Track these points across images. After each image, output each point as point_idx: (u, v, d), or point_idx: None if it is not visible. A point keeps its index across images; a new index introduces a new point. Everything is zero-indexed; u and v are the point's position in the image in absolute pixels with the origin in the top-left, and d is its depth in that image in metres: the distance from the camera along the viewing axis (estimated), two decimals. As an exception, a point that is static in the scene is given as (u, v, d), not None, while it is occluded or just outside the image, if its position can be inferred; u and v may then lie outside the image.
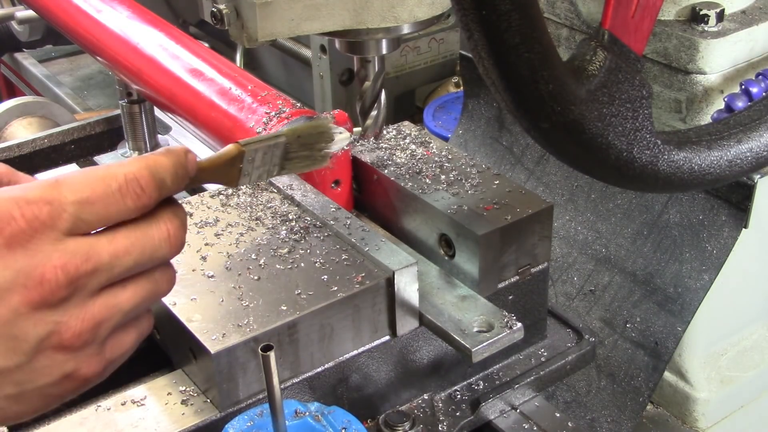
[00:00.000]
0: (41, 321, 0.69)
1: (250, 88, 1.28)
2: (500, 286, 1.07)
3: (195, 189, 1.33)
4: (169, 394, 0.95)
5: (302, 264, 1.01)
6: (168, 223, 0.74)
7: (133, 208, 0.72)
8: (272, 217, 1.09)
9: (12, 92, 2.87)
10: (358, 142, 1.19)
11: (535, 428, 1.08)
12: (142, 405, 0.94)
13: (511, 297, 1.08)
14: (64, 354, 0.71)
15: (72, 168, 1.47)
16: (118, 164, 0.72)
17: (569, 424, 1.08)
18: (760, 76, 1.24)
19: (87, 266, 0.69)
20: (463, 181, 1.12)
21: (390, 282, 0.98)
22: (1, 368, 0.69)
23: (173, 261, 1.01)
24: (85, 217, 0.69)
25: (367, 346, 1.01)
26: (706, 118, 1.28)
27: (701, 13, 1.25)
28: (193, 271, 1.00)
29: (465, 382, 1.10)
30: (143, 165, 0.72)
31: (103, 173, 0.71)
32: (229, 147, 0.81)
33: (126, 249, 0.71)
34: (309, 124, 0.87)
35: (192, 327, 0.92)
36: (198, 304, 0.95)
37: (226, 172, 0.81)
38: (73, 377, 0.72)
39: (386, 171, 1.14)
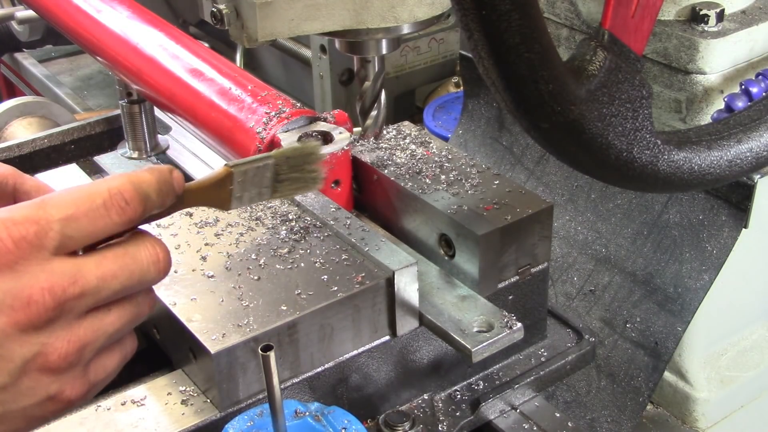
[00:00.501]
0: (27, 342, 0.69)
1: (250, 88, 1.28)
2: (500, 286, 1.07)
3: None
4: (169, 394, 0.95)
5: (302, 264, 1.01)
6: (155, 246, 0.75)
7: (119, 222, 0.72)
8: (272, 217, 1.09)
9: (12, 92, 2.87)
10: (358, 142, 1.19)
11: (535, 428, 1.08)
12: (142, 405, 0.94)
13: (511, 297, 1.08)
14: (48, 376, 0.71)
15: (72, 168, 1.47)
16: (101, 180, 0.73)
17: (569, 424, 1.08)
18: (760, 76, 1.24)
19: (74, 289, 0.70)
20: (463, 181, 1.12)
21: (390, 282, 0.98)
22: None
23: (174, 261, 1.01)
24: (71, 233, 0.70)
25: (367, 346, 1.01)
26: (706, 118, 1.28)
27: (701, 13, 1.25)
28: (193, 271, 1.00)
29: (465, 382, 1.10)
30: (126, 180, 0.73)
31: (87, 190, 0.71)
32: (218, 169, 0.82)
33: (114, 273, 0.72)
34: (297, 146, 0.88)
35: (192, 327, 0.92)
36: (198, 304, 0.95)
37: (217, 194, 0.82)
38: (57, 399, 0.72)
39: (386, 171, 1.14)
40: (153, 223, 1.07)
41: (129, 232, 0.76)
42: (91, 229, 0.71)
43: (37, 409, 0.72)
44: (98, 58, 1.57)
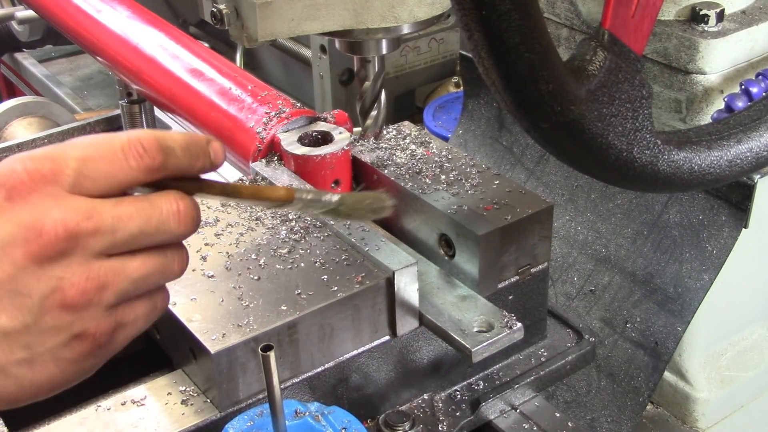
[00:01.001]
0: (44, 276, 0.68)
1: (250, 88, 1.28)
2: (500, 286, 1.07)
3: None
4: (169, 394, 0.95)
5: (302, 264, 1.01)
6: (179, 199, 0.74)
7: (136, 168, 0.71)
8: (272, 217, 1.09)
9: (12, 92, 2.87)
10: (358, 142, 1.19)
11: (535, 428, 1.08)
12: (142, 405, 0.94)
13: (511, 297, 1.08)
14: (69, 313, 0.70)
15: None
16: (124, 131, 0.73)
17: (569, 424, 1.08)
18: (760, 76, 1.24)
19: (88, 224, 0.69)
20: (463, 181, 1.12)
21: (390, 282, 0.98)
22: (8, 329, 0.69)
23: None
24: (87, 173, 0.69)
25: (367, 346, 1.01)
26: (706, 118, 1.28)
27: (701, 13, 1.25)
28: (193, 271, 1.00)
29: (465, 382, 1.10)
30: (150, 132, 0.73)
31: (108, 136, 0.72)
32: (282, 189, 0.81)
33: (130, 214, 0.71)
34: (369, 198, 0.86)
35: (192, 327, 0.92)
36: (198, 304, 0.95)
37: (267, 204, 0.81)
38: (83, 338, 0.71)
39: (386, 171, 1.14)
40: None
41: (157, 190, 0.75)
42: (107, 171, 0.70)
43: (65, 350, 0.71)
44: (98, 58, 1.57)
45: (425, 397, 1.07)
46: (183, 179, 0.76)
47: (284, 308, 0.94)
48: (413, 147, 1.19)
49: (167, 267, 0.76)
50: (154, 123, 1.58)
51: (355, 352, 1.00)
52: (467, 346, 0.95)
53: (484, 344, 0.95)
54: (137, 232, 0.72)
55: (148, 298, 0.76)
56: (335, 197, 0.82)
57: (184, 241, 1.00)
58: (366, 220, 0.91)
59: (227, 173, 1.57)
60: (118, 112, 1.63)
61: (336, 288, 0.97)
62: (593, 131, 0.87)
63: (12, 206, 0.68)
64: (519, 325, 0.98)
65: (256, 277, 0.99)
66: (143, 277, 0.73)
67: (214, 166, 0.78)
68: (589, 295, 1.42)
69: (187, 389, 0.96)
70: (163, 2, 2.56)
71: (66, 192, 0.69)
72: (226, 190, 0.80)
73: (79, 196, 0.70)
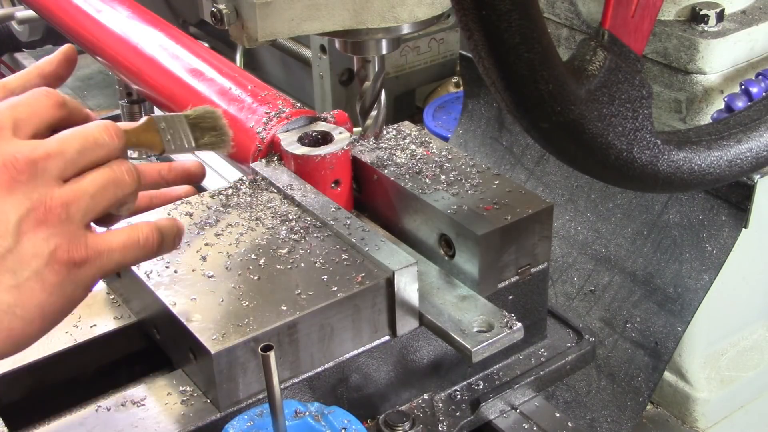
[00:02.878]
0: (16, 200, 0.79)
1: (250, 88, 1.28)
2: (500, 286, 1.07)
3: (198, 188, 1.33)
4: (169, 394, 0.95)
5: (302, 264, 1.01)
6: (104, 122, 0.88)
7: (50, 105, 0.86)
8: (272, 217, 1.09)
9: (12, 92, 2.86)
10: (358, 142, 1.19)
11: (535, 428, 1.08)
12: (142, 405, 0.94)
13: (511, 297, 1.08)
14: (43, 230, 0.80)
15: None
16: None
17: (569, 424, 1.08)
18: (760, 76, 1.24)
19: (39, 151, 0.81)
20: (463, 181, 1.12)
21: (390, 282, 0.98)
22: None
23: (174, 261, 1.01)
24: (19, 116, 0.84)
25: (367, 346, 1.01)
26: (706, 118, 1.28)
27: (701, 13, 1.25)
28: (193, 271, 1.00)
29: (465, 382, 1.10)
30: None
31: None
32: (143, 122, 0.96)
33: (69, 137, 0.84)
34: (198, 108, 1.01)
35: (192, 327, 0.92)
36: (198, 304, 0.95)
37: (150, 137, 0.94)
38: (60, 255, 0.80)
39: (386, 171, 1.14)
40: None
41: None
42: (32, 110, 0.85)
43: (48, 271, 0.80)
44: (98, 58, 1.57)
45: (425, 397, 1.07)
46: None
47: (284, 308, 0.94)
48: (413, 147, 1.19)
49: (117, 178, 0.86)
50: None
51: (355, 352, 1.00)
52: (467, 346, 0.95)
53: (484, 344, 0.95)
54: (80, 147, 0.84)
55: (128, 228, 0.88)
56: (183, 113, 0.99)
57: (183, 241, 1.01)
58: (219, 134, 1.02)
59: (227, 173, 1.58)
60: (118, 112, 1.63)
61: (336, 288, 0.97)
62: (593, 131, 0.87)
63: None
64: (519, 325, 0.98)
65: (256, 277, 0.99)
66: (100, 191, 0.84)
67: (90, 116, 0.92)
68: (589, 295, 1.42)
69: (187, 389, 0.96)
70: (163, 2, 2.56)
71: (12, 136, 0.82)
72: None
73: (22, 138, 0.83)
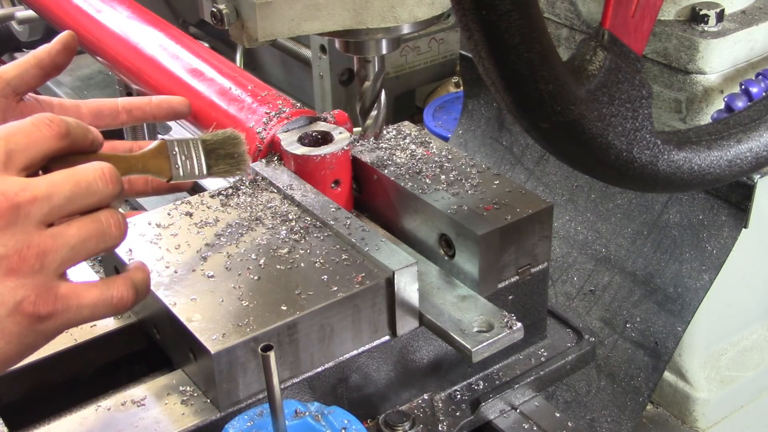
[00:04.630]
0: None
1: (250, 88, 1.29)
2: (500, 286, 1.07)
3: (195, 189, 1.33)
4: (169, 394, 0.95)
5: (302, 264, 1.01)
6: (101, 164, 0.82)
7: (49, 135, 0.81)
8: (272, 217, 1.09)
9: (12, 92, 2.86)
10: (358, 142, 1.19)
11: (535, 428, 1.08)
12: (142, 405, 0.94)
13: (511, 297, 1.08)
14: (12, 279, 0.76)
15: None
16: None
17: (569, 424, 1.08)
18: (760, 76, 1.24)
19: (26, 194, 0.76)
20: (463, 181, 1.12)
21: (390, 282, 0.98)
22: None
23: (174, 261, 1.01)
24: (14, 147, 0.78)
25: (367, 346, 1.01)
26: (706, 118, 1.28)
27: (701, 13, 1.25)
28: (193, 271, 1.00)
29: (465, 382, 1.10)
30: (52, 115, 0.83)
31: (19, 120, 0.81)
32: (156, 142, 0.93)
33: (61, 180, 0.79)
34: (218, 132, 0.99)
35: (192, 327, 0.92)
36: (198, 304, 0.95)
37: (158, 163, 0.92)
38: (25, 307, 0.76)
39: (386, 171, 1.14)
40: (153, 223, 1.07)
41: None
42: (29, 142, 0.79)
43: (10, 321, 0.76)
44: (98, 58, 1.57)
45: (425, 397, 1.07)
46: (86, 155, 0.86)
47: (284, 308, 0.94)
48: (413, 147, 1.19)
49: (104, 231, 0.81)
50: (154, 124, 1.58)
51: (355, 352, 1.00)
52: (467, 346, 0.95)
53: (484, 344, 0.95)
54: (70, 194, 0.79)
55: (98, 286, 0.82)
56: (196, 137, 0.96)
57: (183, 241, 1.01)
58: (237, 160, 1.00)
59: (227, 173, 1.57)
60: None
61: (336, 288, 0.97)
62: (593, 131, 0.87)
63: None
64: (519, 325, 0.98)
65: (256, 277, 0.99)
66: (81, 242, 0.80)
67: (97, 141, 0.87)
68: (589, 295, 1.42)
69: (187, 389, 0.96)
70: (163, 2, 2.57)
71: (2, 171, 0.77)
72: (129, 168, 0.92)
73: (13, 173, 0.78)
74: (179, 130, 1.60)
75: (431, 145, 1.20)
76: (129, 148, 1.18)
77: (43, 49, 1.12)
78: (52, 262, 0.78)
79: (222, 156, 0.98)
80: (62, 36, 1.10)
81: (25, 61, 1.12)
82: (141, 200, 1.65)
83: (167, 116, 1.24)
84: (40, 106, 1.15)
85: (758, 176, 1.23)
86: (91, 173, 0.81)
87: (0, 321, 0.76)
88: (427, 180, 1.12)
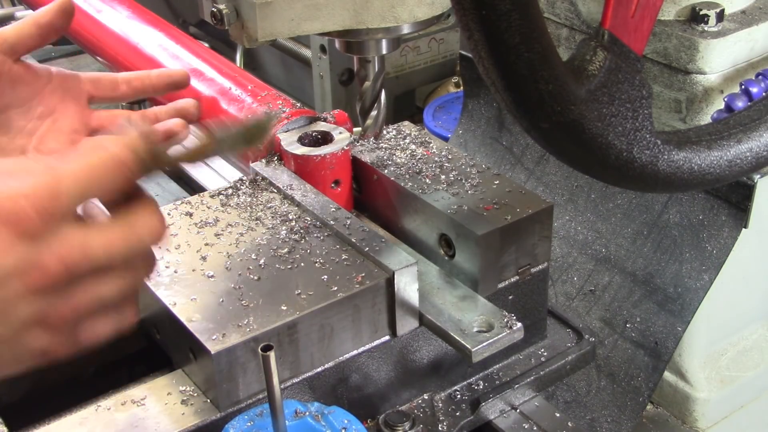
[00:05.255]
0: (35, 303, 0.73)
1: (250, 88, 1.29)
2: (500, 286, 1.07)
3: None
4: (169, 394, 0.95)
5: (302, 264, 1.01)
6: (153, 217, 0.79)
7: (120, 182, 0.77)
8: (272, 217, 1.09)
9: (12, 92, 2.86)
10: (358, 142, 1.19)
11: (535, 428, 1.08)
12: (142, 405, 0.94)
13: (511, 297, 1.08)
14: (46, 332, 0.75)
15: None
16: (100, 147, 0.76)
17: (569, 424, 1.08)
18: (760, 76, 1.24)
19: (83, 260, 0.74)
20: (463, 181, 1.12)
21: (390, 282, 0.98)
22: None
23: (174, 261, 1.01)
24: (81, 198, 0.75)
25: (367, 346, 1.01)
26: (706, 118, 1.28)
27: (701, 13, 1.25)
28: (193, 271, 1.00)
29: (465, 382, 1.10)
30: (123, 144, 0.77)
31: (92, 157, 0.75)
32: (206, 141, 0.85)
33: (117, 246, 0.76)
34: (262, 119, 0.91)
35: (192, 327, 0.92)
36: (198, 304, 0.95)
37: (194, 155, 0.86)
38: (46, 353, 0.76)
39: (386, 171, 1.14)
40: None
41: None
42: (97, 192, 0.76)
43: (27, 358, 0.76)
44: (98, 58, 1.57)
45: (425, 397, 1.07)
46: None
47: (284, 308, 0.94)
48: (413, 147, 1.19)
49: (137, 279, 0.80)
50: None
51: (355, 352, 1.00)
52: (467, 346, 0.95)
53: (484, 344, 0.95)
54: (122, 259, 0.77)
55: (116, 317, 0.80)
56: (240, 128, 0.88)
57: (183, 241, 1.01)
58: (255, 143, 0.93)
59: (227, 173, 1.57)
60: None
61: (336, 288, 0.97)
62: (593, 131, 0.87)
63: (20, 242, 0.71)
64: (519, 325, 0.98)
65: (256, 277, 0.99)
66: (115, 296, 0.78)
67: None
68: (589, 295, 1.42)
69: (187, 389, 0.96)
70: (163, 2, 2.57)
71: (64, 222, 0.73)
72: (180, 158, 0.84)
73: (74, 224, 0.74)
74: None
75: (431, 145, 1.20)
76: (127, 115, 1.20)
77: (41, 10, 1.12)
78: (84, 315, 0.77)
79: (250, 137, 0.91)
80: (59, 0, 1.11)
81: (23, 21, 1.13)
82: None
83: (166, 88, 1.23)
84: (38, 69, 1.15)
85: (758, 176, 1.23)
86: (146, 232, 0.78)
87: (16, 358, 0.76)
88: (427, 180, 1.12)
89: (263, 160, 1.18)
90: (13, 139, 1.14)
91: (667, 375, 1.42)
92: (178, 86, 1.24)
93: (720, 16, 1.26)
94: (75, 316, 0.76)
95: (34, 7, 1.87)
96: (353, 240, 1.03)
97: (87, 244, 0.74)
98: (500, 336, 0.96)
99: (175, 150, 0.84)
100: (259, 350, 0.79)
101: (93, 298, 0.76)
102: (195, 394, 0.95)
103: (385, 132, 1.21)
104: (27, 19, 1.13)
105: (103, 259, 0.75)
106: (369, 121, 1.18)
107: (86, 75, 1.20)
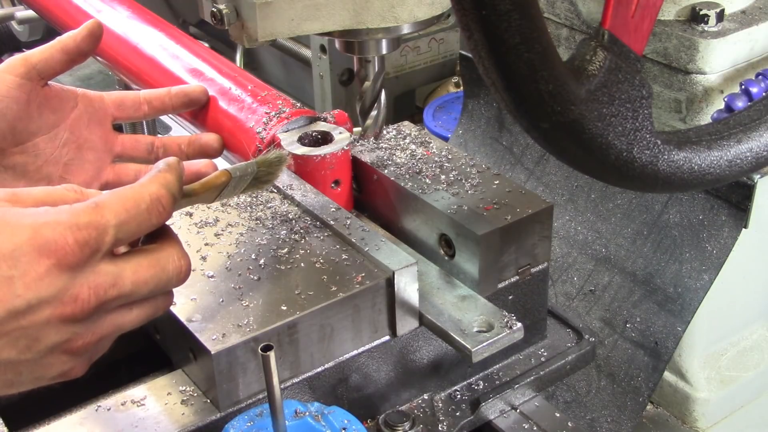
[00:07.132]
0: (63, 330, 0.75)
1: (250, 88, 1.28)
2: (500, 286, 1.07)
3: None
4: (169, 394, 0.95)
5: (302, 264, 1.01)
6: (180, 258, 0.82)
7: (156, 224, 0.80)
8: (272, 217, 1.09)
9: (12, 92, 2.86)
10: (358, 142, 1.19)
11: (535, 428, 1.08)
12: (142, 405, 0.94)
13: (511, 297, 1.08)
14: (68, 357, 0.77)
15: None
16: (140, 185, 0.79)
17: (569, 424, 1.08)
18: (760, 76, 1.24)
19: (113, 291, 0.76)
20: (463, 181, 1.12)
21: (390, 282, 0.98)
22: (12, 360, 0.74)
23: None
24: (121, 237, 0.76)
25: (367, 346, 1.00)
26: (706, 118, 1.28)
27: (701, 13, 1.25)
28: (193, 271, 1.00)
29: (465, 382, 1.10)
30: (160, 184, 0.80)
31: (133, 195, 0.78)
32: (219, 173, 0.90)
33: (146, 281, 0.78)
34: (273, 154, 0.97)
35: (192, 327, 0.92)
36: (198, 304, 0.95)
37: (210, 195, 0.89)
38: (65, 375, 0.79)
39: (386, 171, 1.14)
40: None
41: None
42: (136, 231, 0.78)
43: (46, 379, 0.78)
44: (98, 58, 1.57)
45: (425, 397, 1.07)
46: None
47: (284, 308, 0.94)
48: (413, 147, 1.19)
49: (155, 313, 0.83)
50: (154, 123, 1.58)
51: (355, 352, 1.00)
52: (467, 346, 0.95)
53: (484, 344, 0.95)
54: (147, 294, 0.79)
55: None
56: (254, 161, 0.93)
57: (183, 241, 1.01)
58: (268, 181, 0.98)
59: (227, 173, 1.57)
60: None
61: (336, 288, 0.97)
62: (593, 131, 0.87)
63: (59, 272, 0.73)
64: (519, 325, 0.98)
65: (256, 277, 0.99)
66: (131, 326, 0.81)
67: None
68: (589, 295, 1.42)
69: (187, 389, 0.96)
70: (163, 2, 2.57)
71: (102, 256, 0.75)
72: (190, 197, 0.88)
73: (108, 259, 0.76)
74: (180, 131, 1.60)
75: (431, 145, 1.20)
76: (150, 142, 1.21)
77: (69, 35, 1.11)
78: (106, 342, 0.80)
79: (262, 178, 0.96)
80: (88, 23, 1.09)
81: (50, 45, 1.11)
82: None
83: (184, 105, 1.24)
84: (64, 93, 1.15)
85: (758, 176, 1.23)
86: (173, 271, 0.81)
87: (37, 380, 0.78)
88: (427, 180, 1.12)
89: (263, 160, 1.18)
90: (40, 167, 1.13)
91: (667, 375, 1.42)
92: (196, 104, 1.24)
93: (720, 16, 1.26)
94: (97, 344, 0.78)
95: (34, 8, 1.87)
96: (353, 240, 1.03)
97: (119, 276, 0.76)
98: (500, 336, 0.96)
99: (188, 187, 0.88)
100: (259, 350, 0.79)
101: (115, 326, 0.79)
102: (195, 394, 0.95)
103: (385, 132, 1.21)
104: (54, 42, 1.11)
105: (130, 293, 0.77)
106: (369, 121, 1.18)
107: (111, 97, 1.21)
